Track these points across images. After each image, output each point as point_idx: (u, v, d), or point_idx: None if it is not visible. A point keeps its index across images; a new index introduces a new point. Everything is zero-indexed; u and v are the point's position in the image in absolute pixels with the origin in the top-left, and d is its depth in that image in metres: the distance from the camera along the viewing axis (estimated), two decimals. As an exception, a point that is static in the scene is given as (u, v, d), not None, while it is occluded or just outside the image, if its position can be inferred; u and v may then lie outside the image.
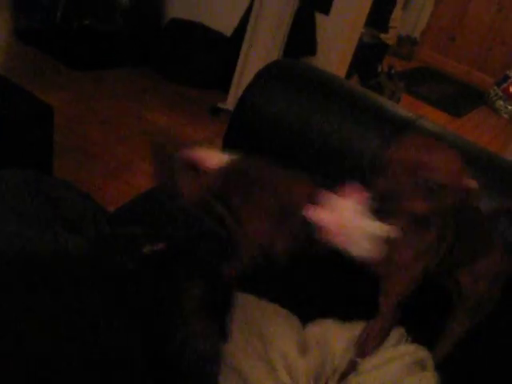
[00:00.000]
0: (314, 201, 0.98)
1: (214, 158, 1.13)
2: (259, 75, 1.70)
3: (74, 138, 3.04)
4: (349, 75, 4.44)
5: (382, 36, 5.25)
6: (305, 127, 1.57)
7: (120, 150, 3.08)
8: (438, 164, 0.94)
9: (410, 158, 0.95)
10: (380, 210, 0.93)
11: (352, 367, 1.16)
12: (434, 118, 4.87)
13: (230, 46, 3.93)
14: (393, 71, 4.96)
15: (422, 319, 1.30)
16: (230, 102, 3.67)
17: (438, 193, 0.93)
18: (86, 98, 3.55)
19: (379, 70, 5.08)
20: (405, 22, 6.66)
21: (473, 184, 0.96)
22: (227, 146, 1.80)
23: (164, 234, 0.92)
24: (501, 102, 5.94)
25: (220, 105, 3.79)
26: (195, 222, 0.97)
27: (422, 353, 1.22)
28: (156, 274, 0.85)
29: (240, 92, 1.77)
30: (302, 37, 3.76)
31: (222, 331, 0.94)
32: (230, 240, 0.98)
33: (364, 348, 1.17)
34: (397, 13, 5.47)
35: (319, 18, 3.86)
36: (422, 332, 1.27)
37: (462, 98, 6.15)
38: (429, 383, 1.16)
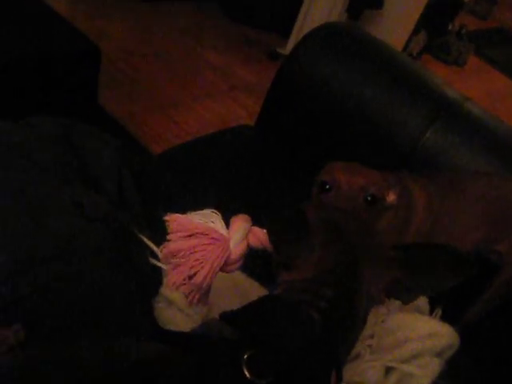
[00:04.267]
0: None
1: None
2: (309, 36, 1.68)
3: (125, 69, 3.03)
4: (416, 31, 4.28)
5: (458, -8, 5.01)
6: (345, 96, 1.55)
7: (170, 87, 3.06)
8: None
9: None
10: None
11: None
12: (498, 86, 4.67)
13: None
14: (463, 31, 4.76)
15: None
16: (289, 49, 3.58)
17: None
18: (143, 29, 3.51)
19: (449, 28, 4.87)
20: (486, -23, 6.34)
21: None
22: (269, 100, 1.78)
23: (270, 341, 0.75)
24: None
25: (279, 50, 3.72)
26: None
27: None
28: None
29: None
30: (369, -13, 3.63)
31: None
32: None
33: None
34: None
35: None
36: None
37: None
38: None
